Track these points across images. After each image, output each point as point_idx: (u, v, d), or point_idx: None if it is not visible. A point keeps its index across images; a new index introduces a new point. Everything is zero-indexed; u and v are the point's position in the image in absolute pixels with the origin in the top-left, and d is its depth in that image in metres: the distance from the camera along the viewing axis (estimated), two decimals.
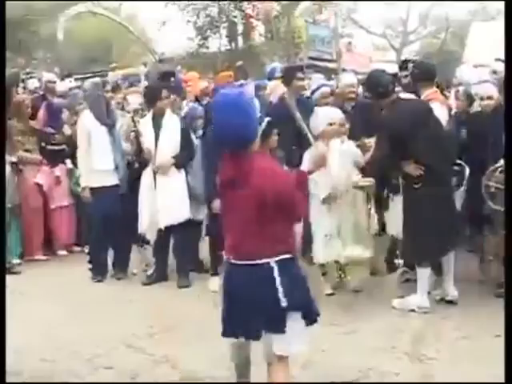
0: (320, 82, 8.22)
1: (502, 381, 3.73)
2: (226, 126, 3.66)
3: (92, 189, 7.56)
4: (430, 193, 5.90)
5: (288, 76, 7.74)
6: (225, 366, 4.51)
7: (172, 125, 7.32)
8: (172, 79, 8.71)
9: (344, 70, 17.71)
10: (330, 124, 6.55)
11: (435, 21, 37.64)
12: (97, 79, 9.25)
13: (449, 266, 6.18)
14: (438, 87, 6.84)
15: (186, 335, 4.66)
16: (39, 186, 8.64)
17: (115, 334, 5.69)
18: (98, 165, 7.52)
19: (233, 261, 3.84)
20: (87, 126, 7.63)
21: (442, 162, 5.98)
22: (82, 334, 5.74)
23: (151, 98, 7.46)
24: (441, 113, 6.39)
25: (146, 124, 7.45)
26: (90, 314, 6.31)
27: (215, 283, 6.63)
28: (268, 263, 3.74)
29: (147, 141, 7.32)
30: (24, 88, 10.35)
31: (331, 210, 6.45)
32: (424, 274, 6.03)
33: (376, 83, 6.34)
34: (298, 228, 6.14)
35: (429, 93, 6.57)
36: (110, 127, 7.68)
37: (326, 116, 6.64)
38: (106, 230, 7.57)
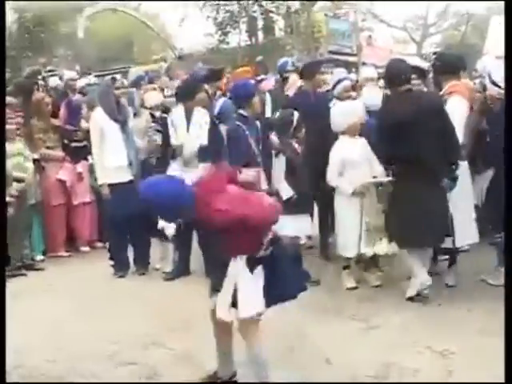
0: (341, 76, 8.19)
1: None
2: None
3: (108, 185, 7.59)
4: (410, 186, 6.00)
5: (309, 70, 7.75)
6: (244, 362, 4.51)
7: (202, 119, 7.31)
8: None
9: (364, 63, 17.66)
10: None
11: (455, 13, 37.32)
12: (108, 77, 9.32)
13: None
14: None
15: (207, 331, 4.67)
16: (62, 182, 8.69)
17: (136, 329, 5.70)
18: (111, 161, 7.53)
19: None
20: (99, 122, 7.62)
21: (435, 158, 5.93)
22: (104, 330, 5.76)
23: (188, 93, 7.40)
24: (459, 106, 6.34)
25: (178, 119, 7.35)
26: (111, 310, 6.33)
27: None
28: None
29: (179, 135, 7.26)
30: (45, 86, 10.37)
31: (359, 204, 6.45)
32: (409, 259, 6.18)
33: (396, 71, 6.32)
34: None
35: (450, 85, 6.51)
36: (122, 124, 7.68)
37: (353, 112, 6.64)
38: (123, 225, 7.60)
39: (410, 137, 5.89)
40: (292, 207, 6.63)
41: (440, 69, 6.72)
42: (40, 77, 10.55)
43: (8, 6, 20.09)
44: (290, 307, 6.06)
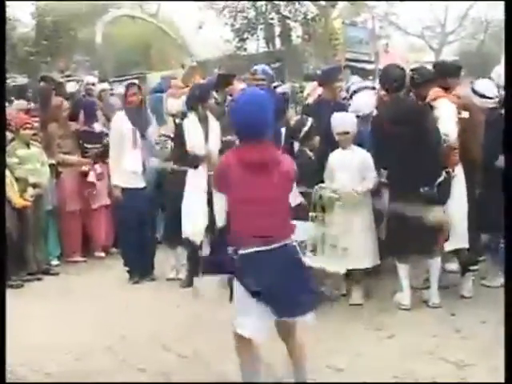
0: (360, 85, 8.14)
1: None
2: (251, 117, 4.04)
3: (121, 189, 7.59)
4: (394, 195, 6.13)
5: (329, 78, 7.71)
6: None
7: (217, 126, 7.31)
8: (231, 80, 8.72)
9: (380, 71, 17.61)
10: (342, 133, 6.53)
11: (474, 21, 37.21)
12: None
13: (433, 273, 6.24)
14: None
15: (221, 336, 4.68)
16: (79, 187, 8.71)
17: (149, 334, 5.72)
18: (127, 166, 7.54)
19: (259, 248, 4.03)
20: (120, 126, 7.66)
21: (414, 167, 5.94)
22: (117, 334, 5.78)
23: (200, 99, 7.37)
24: (444, 108, 6.32)
25: (193, 126, 7.24)
26: (124, 315, 6.35)
27: None
28: (291, 243, 4.20)
29: (197, 142, 7.16)
30: (63, 91, 10.41)
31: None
32: (402, 270, 6.21)
33: (389, 77, 6.34)
34: None
35: (433, 92, 6.45)
36: (142, 130, 7.70)
37: (339, 124, 6.60)
38: (134, 231, 7.60)
39: (392, 144, 5.98)
40: (302, 213, 6.69)
41: (417, 82, 6.63)
42: (57, 82, 10.58)
43: (27, 11, 20.33)
44: None
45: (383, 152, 6.16)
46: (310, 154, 6.91)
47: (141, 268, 7.73)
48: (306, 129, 6.94)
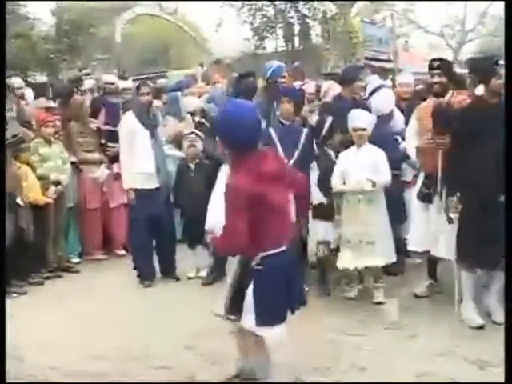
0: (378, 83, 8.13)
1: None
2: (250, 129, 4.12)
3: (134, 191, 7.54)
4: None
5: (349, 76, 7.68)
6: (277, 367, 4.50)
7: None
8: (252, 79, 8.71)
9: (400, 70, 17.55)
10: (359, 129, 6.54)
11: (494, 19, 36.97)
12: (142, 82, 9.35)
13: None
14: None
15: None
16: (99, 185, 8.74)
17: (169, 333, 5.73)
18: (139, 167, 7.46)
19: (279, 249, 4.15)
20: (129, 127, 7.61)
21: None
22: (137, 333, 5.80)
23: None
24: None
25: None
26: (144, 314, 6.37)
27: None
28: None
29: None
30: (83, 89, 10.45)
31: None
32: (468, 280, 5.82)
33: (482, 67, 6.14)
34: None
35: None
36: (152, 129, 7.68)
37: (351, 121, 6.62)
38: (148, 233, 7.55)
39: (474, 147, 5.67)
40: (322, 212, 6.70)
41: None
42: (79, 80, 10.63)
43: (47, 9, 20.44)
44: (327, 315, 6.12)
45: (463, 156, 5.75)
46: (331, 153, 6.89)
47: (153, 271, 7.69)
48: (326, 128, 6.93)
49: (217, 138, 4.25)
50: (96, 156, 8.77)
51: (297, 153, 6.74)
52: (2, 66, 6.49)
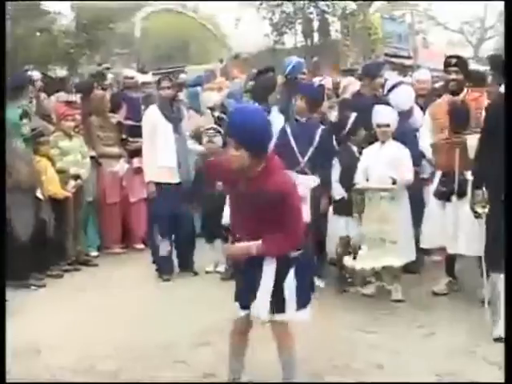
0: (397, 80, 8.10)
1: None
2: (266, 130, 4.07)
3: (155, 185, 7.53)
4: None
5: (371, 73, 7.66)
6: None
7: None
8: (271, 74, 8.70)
9: (419, 66, 17.47)
10: (383, 125, 6.53)
11: None
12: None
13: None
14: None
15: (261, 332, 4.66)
16: (118, 179, 8.78)
17: (188, 328, 5.73)
18: (160, 161, 7.47)
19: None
20: (152, 120, 7.62)
21: None
22: (155, 327, 5.81)
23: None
24: None
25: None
26: (161, 309, 6.38)
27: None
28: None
29: None
30: (104, 83, 10.49)
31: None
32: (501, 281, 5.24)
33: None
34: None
35: None
36: (176, 123, 7.68)
37: (374, 117, 6.62)
38: (167, 227, 7.56)
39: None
40: (343, 208, 6.70)
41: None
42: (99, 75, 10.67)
43: (67, 3, 20.50)
44: (346, 311, 6.11)
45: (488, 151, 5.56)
46: (355, 149, 6.88)
47: (172, 265, 7.71)
48: (350, 124, 6.89)
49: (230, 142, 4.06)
50: (116, 150, 8.82)
51: (311, 150, 6.73)
52: (2, 65, 6.51)
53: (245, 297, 4.20)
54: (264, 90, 8.29)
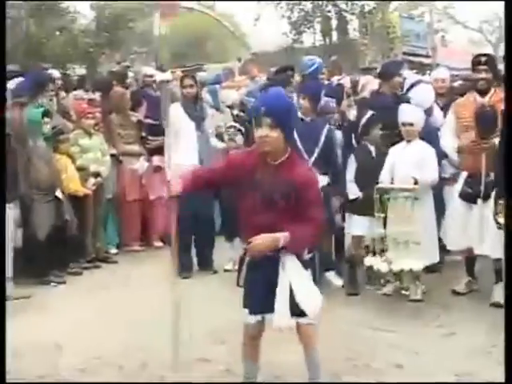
0: (416, 78, 8.05)
1: None
2: None
3: None
4: None
5: (389, 72, 7.63)
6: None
7: None
8: (290, 73, 8.69)
9: (438, 65, 17.40)
10: (407, 124, 6.48)
11: None
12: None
13: None
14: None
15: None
16: (138, 177, 8.81)
17: (206, 326, 5.74)
18: (182, 159, 7.52)
19: None
20: (174, 118, 7.64)
21: None
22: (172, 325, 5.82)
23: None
24: None
25: None
26: (182, 306, 6.38)
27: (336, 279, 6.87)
28: None
29: None
30: (126, 82, 10.52)
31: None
32: None
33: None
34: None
35: None
36: (199, 121, 7.68)
37: (399, 115, 6.56)
38: (188, 225, 7.50)
39: None
40: (358, 207, 6.67)
41: None
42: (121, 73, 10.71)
43: (87, 3, 20.63)
44: (365, 311, 6.10)
45: None
46: (372, 148, 6.83)
47: (191, 263, 7.73)
48: (363, 122, 6.86)
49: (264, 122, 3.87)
50: (136, 148, 8.85)
51: (317, 150, 6.69)
52: (2, 65, 6.55)
53: (257, 302, 4.08)
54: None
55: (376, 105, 7.12)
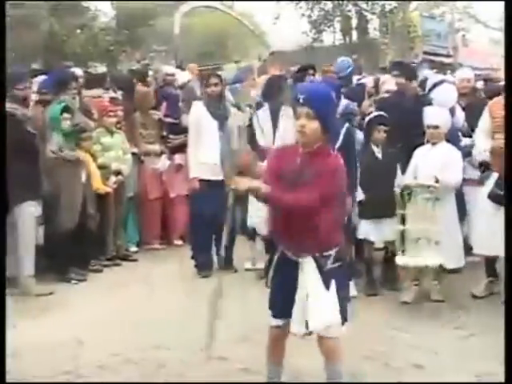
0: (439, 78, 8.01)
1: None
2: None
3: (198, 181, 7.56)
4: None
5: (410, 72, 7.58)
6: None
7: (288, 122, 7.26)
8: (311, 72, 8.67)
9: (460, 65, 17.31)
10: (431, 127, 6.40)
11: None
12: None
13: None
14: None
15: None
16: (159, 175, 8.86)
17: (226, 324, 5.70)
18: (205, 157, 7.48)
19: None
20: (198, 116, 7.66)
21: None
22: (194, 323, 5.81)
23: (272, 90, 7.33)
24: None
25: (264, 119, 7.22)
26: (200, 304, 6.39)
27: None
28: None
29: (266, 135, 7.13)
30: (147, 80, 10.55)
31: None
32: None
33: None
34: None
35: None
36: (222, 120, 7.70)
37: (425, 117, 6.49)
38: (209, 224, 7.53)
39: None
40: (364, 211, 6.60)
41: None
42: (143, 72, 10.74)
43: (109, 2, 20.74)
44: (385, 312, 6.08)
45: None
46: (376, 149, 6.73)
47: (211, 262, 7.70)
48: (367, 121, 6.78)
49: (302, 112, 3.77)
50: (157, 148, 8.89)
51: (336, 148, 6.66)
52: (2, 65, 6.59)
53: (280, 306, 4.00)
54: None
55: (392, 105, 7.07)
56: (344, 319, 3.90)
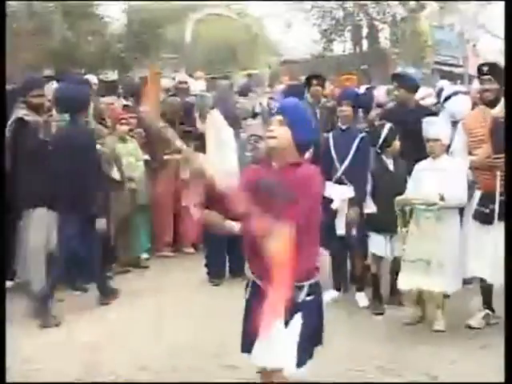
0: (454, 89, 7.99)
1: None
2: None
3: None
4: None
5: (414, 83, 7.55)
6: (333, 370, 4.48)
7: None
8: (316, 82, 8.66)
9: (471, 75, 17.31)
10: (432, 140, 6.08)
11: None
12: (226, 81, 9.38)
13: None
14: None
15: None
16: (172, 183, 8.82)
17: (238, 332, 5.73)
18: (223, 166, 7.53)
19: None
20: (214, 125, 7.67)
21: None
22: (206, 331, 5.83)
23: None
24: None
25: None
26: (211, 312, 6.40)
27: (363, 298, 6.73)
28: None
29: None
30: None
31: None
32: None
33: None
34: None
35: None
36: (237, 129, 7.70)
37: (425, 131, 6.27)
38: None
39: None
40: (375, 224, 6.48)
41: None
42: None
43: (119, 8, 20.75)
44: (398, 322, 6.06)
45: None
46: (388, 161, 6.55)
47: (224, 270, 7.77)
48: (384, 134, 6.50)
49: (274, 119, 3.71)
50: (178, 157, 8.81)
51: (348, 158, 6.64)
52: (2, 65, 6.60)
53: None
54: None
55: (397, 117, 6.96)
56: (302, 362, 3.52)
